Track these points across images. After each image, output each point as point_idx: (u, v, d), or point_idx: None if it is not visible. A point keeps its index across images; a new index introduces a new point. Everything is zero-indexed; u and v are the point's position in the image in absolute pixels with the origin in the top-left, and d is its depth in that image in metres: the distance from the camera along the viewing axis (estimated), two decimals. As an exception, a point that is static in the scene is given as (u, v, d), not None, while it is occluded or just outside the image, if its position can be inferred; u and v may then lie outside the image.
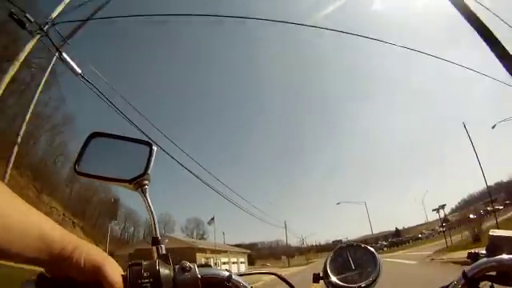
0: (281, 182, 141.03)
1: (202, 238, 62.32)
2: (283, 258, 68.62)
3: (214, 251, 36.94)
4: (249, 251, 54.32)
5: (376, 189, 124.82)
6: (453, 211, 73.56)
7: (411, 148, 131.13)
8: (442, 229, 32.70)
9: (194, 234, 68.14)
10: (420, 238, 59.90)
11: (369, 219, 43.85)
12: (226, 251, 43.25)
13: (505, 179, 68.11)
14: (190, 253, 28.55)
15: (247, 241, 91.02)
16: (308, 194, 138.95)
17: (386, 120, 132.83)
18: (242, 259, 48.25)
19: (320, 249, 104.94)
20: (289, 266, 49.02)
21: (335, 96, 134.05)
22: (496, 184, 65.71)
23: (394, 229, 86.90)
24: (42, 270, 0.47)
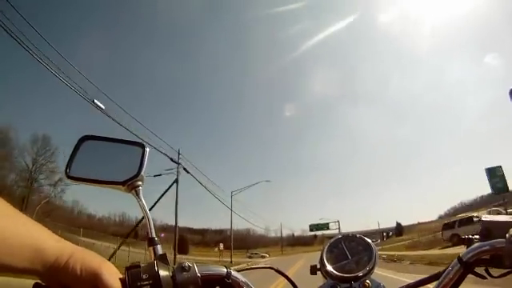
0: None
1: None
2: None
3: None
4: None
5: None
6: (440, 217, 67.02)
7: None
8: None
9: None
10: None
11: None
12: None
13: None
14: None
15: (214, 227, 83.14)
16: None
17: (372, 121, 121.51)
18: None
19: (292, 241, 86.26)
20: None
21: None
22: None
23: (395, 224, 71.19)
24: (37, 279, 0.46)
